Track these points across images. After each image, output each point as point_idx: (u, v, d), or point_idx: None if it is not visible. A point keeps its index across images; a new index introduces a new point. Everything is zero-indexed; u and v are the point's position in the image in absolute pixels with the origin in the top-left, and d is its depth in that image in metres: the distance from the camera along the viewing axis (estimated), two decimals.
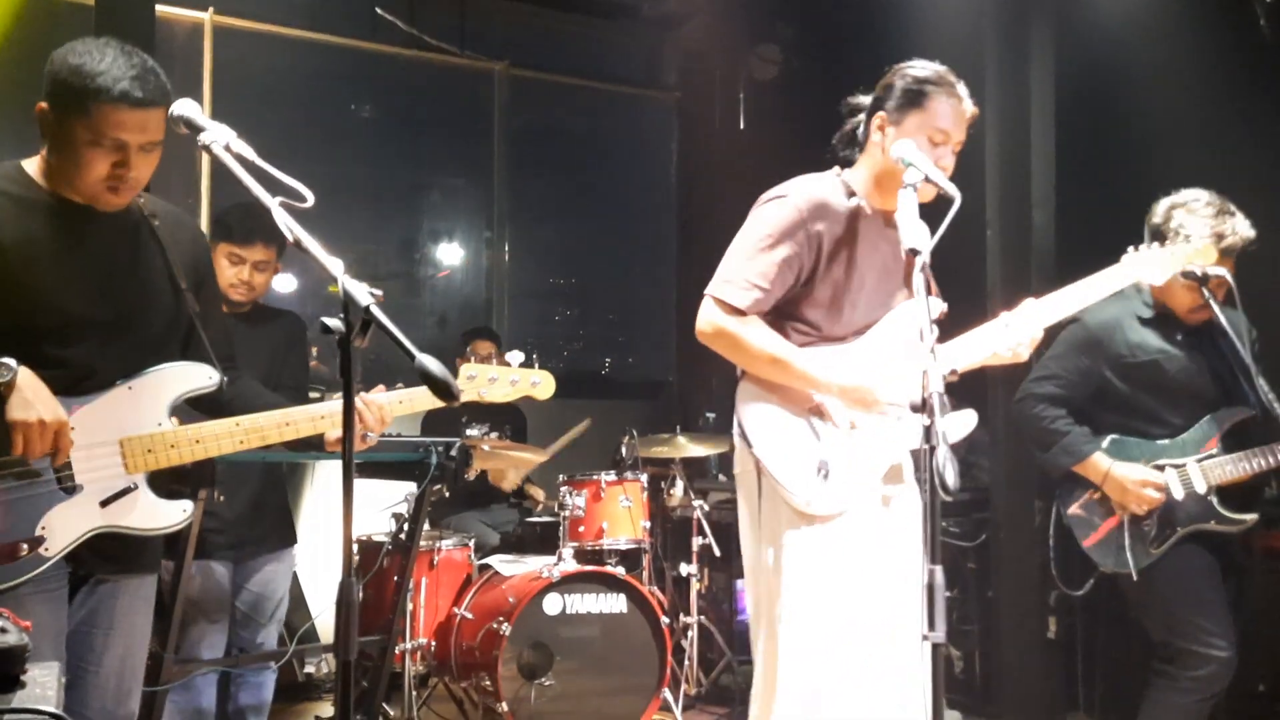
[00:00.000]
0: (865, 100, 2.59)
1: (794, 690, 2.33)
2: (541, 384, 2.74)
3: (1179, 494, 3.06)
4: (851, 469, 2.40)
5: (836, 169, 2.61)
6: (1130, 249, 2.76)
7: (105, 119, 2.03)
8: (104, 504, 2.14)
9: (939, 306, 2.52)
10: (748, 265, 2.45)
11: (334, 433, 2.34)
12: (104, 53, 2.04)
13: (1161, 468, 3.10)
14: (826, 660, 2.32)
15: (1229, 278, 3.02)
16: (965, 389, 2.38)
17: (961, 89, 2.50)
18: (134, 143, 2.07)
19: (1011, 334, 2.51)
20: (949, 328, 2.42)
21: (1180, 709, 3.04)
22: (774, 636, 2.39)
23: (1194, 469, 3.07)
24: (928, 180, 2.28)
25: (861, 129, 2.58)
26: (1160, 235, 3.06)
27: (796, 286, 2.48)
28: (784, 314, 2.51)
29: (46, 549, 2.07)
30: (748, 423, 2.46)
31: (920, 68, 2.51)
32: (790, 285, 2.47)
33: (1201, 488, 3.05)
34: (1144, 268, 2.74)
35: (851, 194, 2.53)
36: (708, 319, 2.46)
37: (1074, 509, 3.20)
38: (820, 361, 2.44)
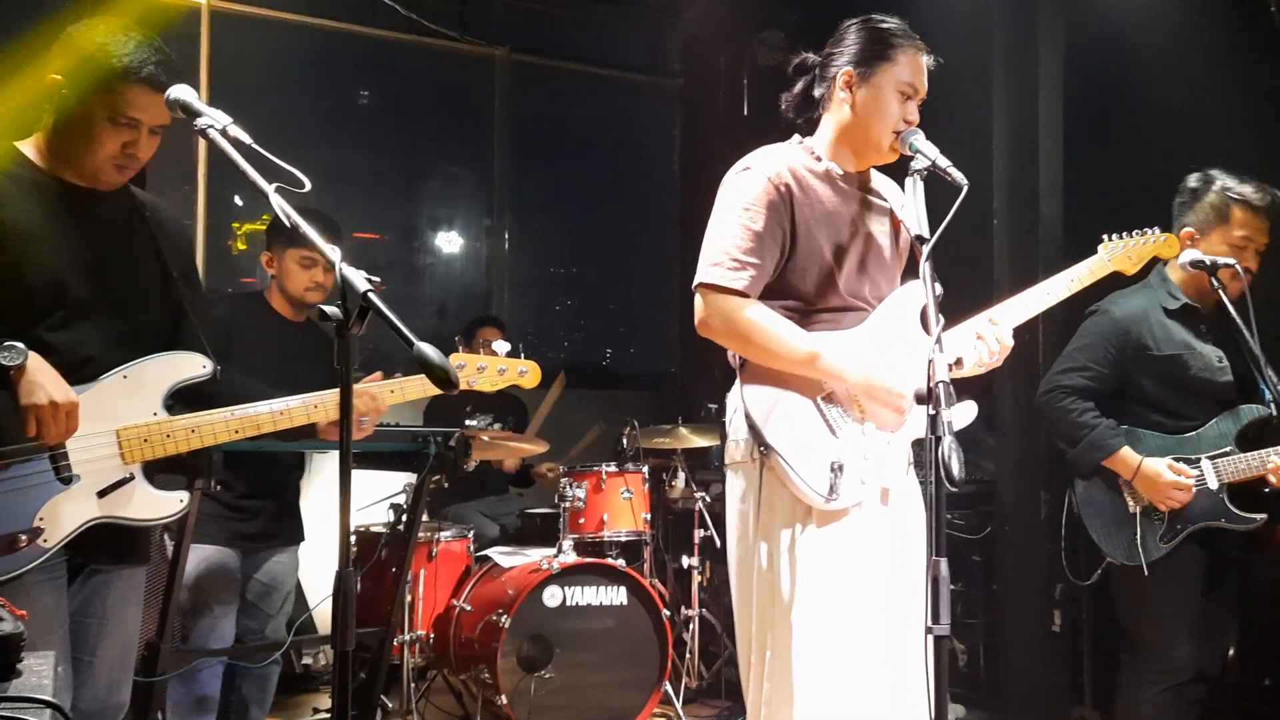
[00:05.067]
0: (814, 58, 2.48)
1: (813, 690, 2.23)
2: (528, 373, 2.77)
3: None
4: (864, 464, 2.31)
5: (797, 137, 2.50)
6: (1105, 238, 2.73)
7: (127, 99, 2.10)
8: (101, 494, 2.14)
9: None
10: (731, 244, 2.28)
11: (326, 420, 2.43)
12: (129, 35, 2.12)
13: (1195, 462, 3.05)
14: (842, 658, 2.23)
15: (1239, 269, 3.00)
16: (970, 381, 2.33)
17: (920, 42, 2.41)
18: (147, 124, 2.14)
19: (990, 341, 2.37)
20: (951, 319, 2.34)
21: (1149, 700, 3.04)
22: (778, 633, 2.31)
23: (1207, 466, 3.02)
24: (934, 168, 2.23)
25: (819, 89, 2.45)
26: (1197, 198, 3.13)
27: (782, 259, 2.33)
28: (773, 292, 2.34)
29: (45, 540, 2.07)
30: (758, 414, 2.27)
31: (882, 20, 2.40)
32: (778, 258, 2.32)
33: (1214, 485, 3.00)
34: (1118, 256, 2.70)
35: (818, 158, 2.43)
36: (710, 310, 2.29)
37: (1085, 494, 3.16)
38: (836, 349, 2.30)
